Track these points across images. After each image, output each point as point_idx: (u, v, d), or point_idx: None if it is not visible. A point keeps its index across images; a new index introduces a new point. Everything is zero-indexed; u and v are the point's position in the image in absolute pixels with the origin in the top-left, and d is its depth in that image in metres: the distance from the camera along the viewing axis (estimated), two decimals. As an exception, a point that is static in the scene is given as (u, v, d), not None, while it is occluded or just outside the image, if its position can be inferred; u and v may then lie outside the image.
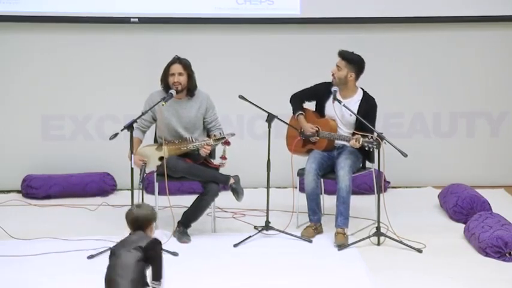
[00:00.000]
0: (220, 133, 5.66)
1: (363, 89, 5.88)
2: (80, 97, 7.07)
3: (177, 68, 5.68)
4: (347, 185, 5.59)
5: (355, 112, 5.72)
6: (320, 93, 5.93)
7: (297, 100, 5.99)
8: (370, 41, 6.92)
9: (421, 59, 7.17)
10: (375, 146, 5.42)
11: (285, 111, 5.98)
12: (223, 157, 5.63)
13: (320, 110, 5.96)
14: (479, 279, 4.88)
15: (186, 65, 5.70)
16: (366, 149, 5.51)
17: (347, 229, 5.62)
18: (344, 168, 5.64)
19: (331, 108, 5.83)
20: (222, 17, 6.95)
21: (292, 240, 5.64)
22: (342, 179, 5.61)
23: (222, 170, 5.76)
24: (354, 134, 5.74)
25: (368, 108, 5.79)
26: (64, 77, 7.05)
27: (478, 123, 7.28)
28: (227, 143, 5.58)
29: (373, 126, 5.69)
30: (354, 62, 5.76)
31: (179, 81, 5.67)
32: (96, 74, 7.07)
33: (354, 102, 5.81)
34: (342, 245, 5.48)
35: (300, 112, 5.95)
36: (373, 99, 5.85)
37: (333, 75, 5.80)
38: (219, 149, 5.74)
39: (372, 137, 5.47)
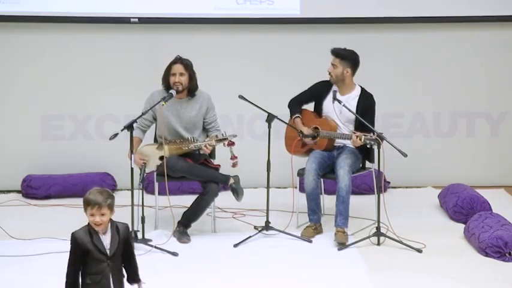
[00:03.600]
0: (222, 134, 5.65)
1: (360, 86, 5.89)
2: (80, 97, 7.07)
3: (178, 68, 5.67)
4: (347, 185, 5.59)
5: (354, 108, 5.74)
6: (318, 92, 5.94)
7: (295, 104, 6.00)
8: (370, 41, 6.91)
9: (421, 59, 7.16)
10: (376, 144, 5.42)
11: (285, 111, 5.98)
12: (232, 157, 5.60)
13: (318, 109, 5.97)
14: (479, 279, 4.88)
15: (188, 66, 5.70)
16: (368, 146, 5.51)
17: (346, 229, 5.61)
18: (344, 167, 5.64)
19: (329, 105, 5.83)
20: (222, 17, 6.95)
21: (292, 240, 5.64)
22: (342, 179, 5.61)
23: (221, 170, 5.77)
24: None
25: (367, 104, 5.80)
26: (64, 77, 7.05)
27: (478, 123, 7.27)
28: (232, 144, 5.57)
29: (373, 123, 5.72)
30: (348, 58, 5.79)
31: (180, 82, 5.66)
32: (96, 74, 7.06)
33: (352, 98, 5.82)
34: (342, 243, 5.48)
35: (297, 115, 5.95)
36: (371, 95, 5.86)
37: (329, 73, 5.83)
38: (220, 149, 5.74)
39: (372, 134, 5.47)
